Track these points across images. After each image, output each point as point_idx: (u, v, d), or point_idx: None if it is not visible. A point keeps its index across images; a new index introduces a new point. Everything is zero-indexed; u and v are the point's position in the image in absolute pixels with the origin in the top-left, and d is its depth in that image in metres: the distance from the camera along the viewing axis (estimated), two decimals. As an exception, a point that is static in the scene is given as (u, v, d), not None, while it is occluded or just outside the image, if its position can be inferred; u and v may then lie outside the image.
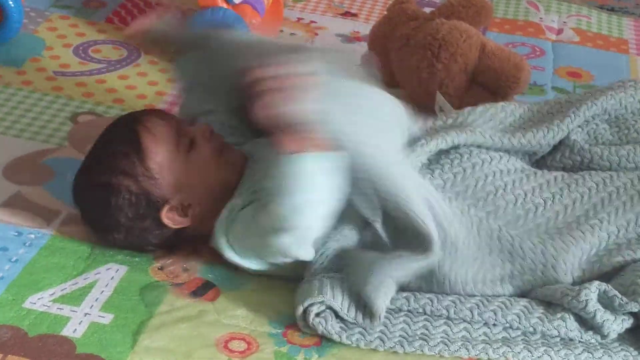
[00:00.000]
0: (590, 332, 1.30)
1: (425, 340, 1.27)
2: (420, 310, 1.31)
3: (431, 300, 1.31)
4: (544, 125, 1.51)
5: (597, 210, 1.41)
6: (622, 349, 1.29)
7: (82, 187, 1.43)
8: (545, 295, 1.32)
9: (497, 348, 1.27)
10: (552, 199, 1.42)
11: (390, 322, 1.30)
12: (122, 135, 1.41)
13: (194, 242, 1.43)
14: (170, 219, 1.39)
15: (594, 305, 1.28)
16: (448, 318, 1.30)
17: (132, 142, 1.38)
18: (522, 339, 1.29)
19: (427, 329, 1.29)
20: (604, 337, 1.30)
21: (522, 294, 1.35)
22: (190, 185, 1.40)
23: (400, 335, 1.28)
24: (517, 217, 1.39)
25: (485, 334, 1.29)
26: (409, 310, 1.31)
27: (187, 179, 1.40)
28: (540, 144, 1.50)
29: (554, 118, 1.53)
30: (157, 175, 1.38)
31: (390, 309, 1.31)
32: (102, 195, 1.38)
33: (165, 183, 1.38)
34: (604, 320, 1.28)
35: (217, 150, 1.44)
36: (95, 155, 1.43)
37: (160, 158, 1.38)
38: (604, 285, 1.30)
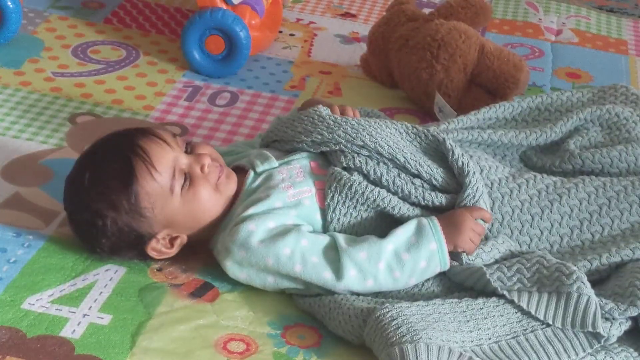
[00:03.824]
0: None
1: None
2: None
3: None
4: (536, 128, 1.54)
5: (592, 222, 1.42)
6: (622, 350, 1.28)
7: (72, 204, 1.39)
8: None
9: None
10: (540, 213, 1.42)
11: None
12: (118, 166, 1.34)
13: (191, 247, 1.42)
14: (155, 250, 1.37)
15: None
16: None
17: (127, 178, 1.33)
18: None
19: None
20: (605, 340, 1.29)
21: None
22: (181, 222, 1.36)
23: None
24: (511, 230, 1.41)
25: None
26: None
27: (179, 216, 1.36)
28: (530, 144, 1.53)
29: (547, 122, 1.56)
30: (149, 214, 1.34)
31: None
32: (89, 220, 1.35)
33: (155, 221, 1.35)
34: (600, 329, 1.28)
35: (214, 188, 1.38)
36: (90, 177, 1.36)
37: (153, 199, 1.34)
38: (598, 300, 1.29)
